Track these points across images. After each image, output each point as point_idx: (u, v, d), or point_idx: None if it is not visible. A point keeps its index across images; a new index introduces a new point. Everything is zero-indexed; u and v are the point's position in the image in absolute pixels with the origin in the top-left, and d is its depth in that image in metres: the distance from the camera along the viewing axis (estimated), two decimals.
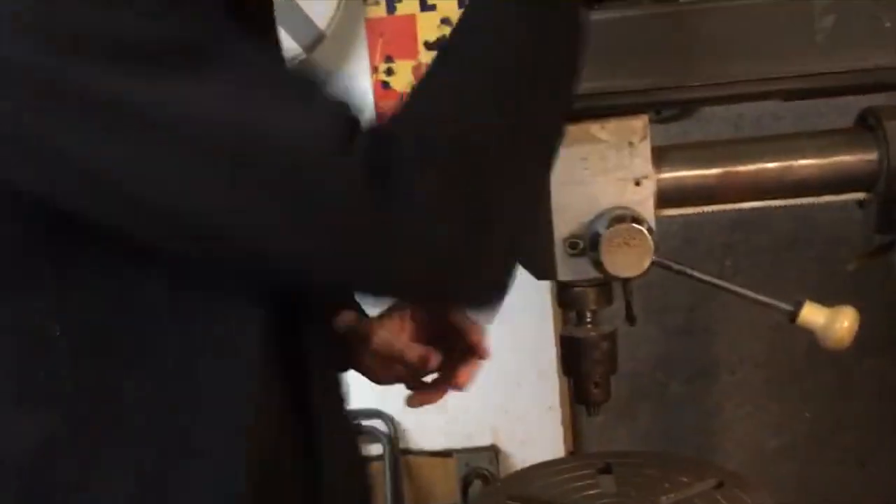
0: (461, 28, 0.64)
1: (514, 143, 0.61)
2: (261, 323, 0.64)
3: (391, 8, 1.83)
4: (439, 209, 0.57)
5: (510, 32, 0.60)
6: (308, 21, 1.71)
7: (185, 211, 0.56)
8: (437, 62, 0.63)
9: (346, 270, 0.59)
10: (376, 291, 0.65)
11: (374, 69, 1.85)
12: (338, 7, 1.74)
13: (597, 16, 0.85)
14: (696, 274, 0.84)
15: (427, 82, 0.63)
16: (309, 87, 0.60)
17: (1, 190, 0.58)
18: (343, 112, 0.58)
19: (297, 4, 1.70)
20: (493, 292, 0.63)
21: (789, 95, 0.87)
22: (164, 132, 0.54)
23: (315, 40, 1.73)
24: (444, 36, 1.84)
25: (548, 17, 0.61)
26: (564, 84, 0.64)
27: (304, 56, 1.73)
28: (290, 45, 1.70)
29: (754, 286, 0.87)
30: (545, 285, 1.61)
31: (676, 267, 0.84)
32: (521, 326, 1.74)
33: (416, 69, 1.85)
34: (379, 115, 0.61)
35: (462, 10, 0.64)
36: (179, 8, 0.55)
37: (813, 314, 0.82)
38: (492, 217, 0.60)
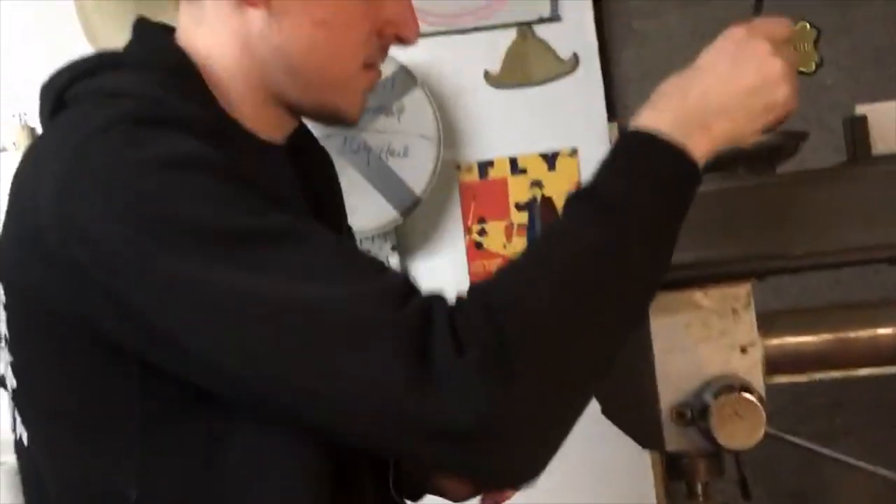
0: (547, 231, 0.72)
1: (582, 326, 0.64)
2: (328, 478, 0.68)
3: (483, 173, 1.90)
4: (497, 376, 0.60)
5: (586, 235, 0.66)
6: (405, 187, 1.79)
7: (259, 376, 0.61)
8: (518, 256, 0.68)
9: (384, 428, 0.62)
10: (405, 449, 0.66)
11: (468, 230, 1.90)
12: (433, 173, 1.81)
13: (700, 188, 0.87)
14: (812, 447, 0.81)
15: (507, 268, 0.67)
16: (371, 265, 0.66)
17: (106, 352, 0.64)
18: (401, 281, 0.64)
19: (394, 172, 1.79)
20: (536, 468, 0.64)
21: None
22: (242, 311, 0.61)
23: (411, 205, 1.80)
24: (534, 198, 1.89)
25: (623, 225, 0.66)
26: (637, 279, 0.68)
27: (401, 221, 1.80)
28: (387, 210, 1.77)
29: (867, 447, 0.84)
30: (644, 453, 1.57)
31: (790, 439, 0.81)
32: (622, 495, 1.68)
33: (507, 229, 1.89)
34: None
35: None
36: (255, 199, 0.64)
37: None
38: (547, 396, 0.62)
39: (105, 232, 0.61)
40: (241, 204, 0.63)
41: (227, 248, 0.61)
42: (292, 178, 0.81)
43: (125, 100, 0.67)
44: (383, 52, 0.79)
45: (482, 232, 1.90)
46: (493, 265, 1.90)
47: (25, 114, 1.96)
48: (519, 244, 1.89)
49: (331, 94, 0.77)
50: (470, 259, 1.91)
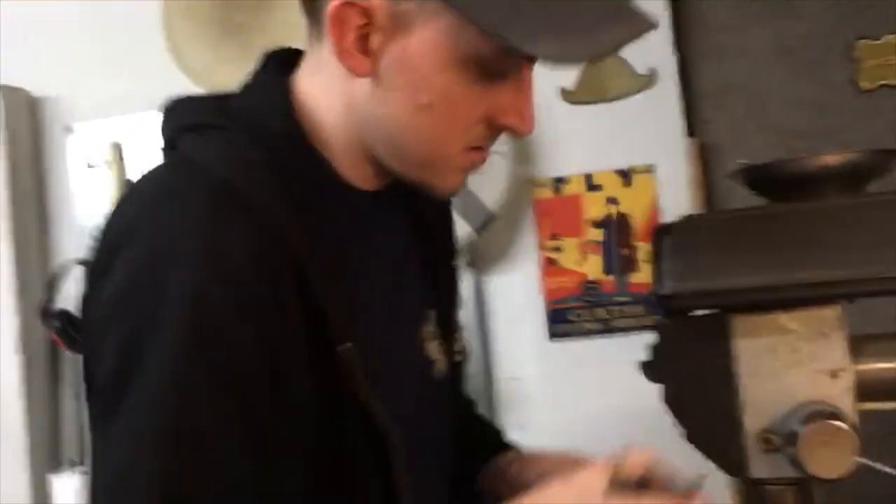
0: None
1: None
2: None
3: (557, 189, 1.89)
4: None
5: None
6: (479, 203, 1.79)
7: None
8: None
9: None
10: None
11: (542, 246, 1.89)
12: (508, 189, 1.81)
13: (784, 208, 0.84)
14: None
15: None
16: None
17: None
18: None
19: (470, 189, 1.79)
20: None
21: None
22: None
23: (486, 221, 1.80)
24: (609, 215, 1.87)
25: None
26: None
27: (475, 236, 1.80)
28: (462, 226, 1.77)
29: None
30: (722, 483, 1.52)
31: (883, 468, 0.78)
32: None
33: (581, 246, 1.88)
34: None
35: None
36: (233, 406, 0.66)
37: None
38: None
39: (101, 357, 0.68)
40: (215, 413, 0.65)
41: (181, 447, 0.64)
42: (393, 223, 0.82)
43: (198, 198, 0.68)
44: (493, 137, 0.76)
45: (556, 249, 1.88)
46: (567, 282, 1.89)
47: (111, 131, 2.03)
48: (593, 261, 1.87)
49: (427, 171, 0.76)
50: (544, 276, 1.89)
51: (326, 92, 0.75)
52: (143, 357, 0.65)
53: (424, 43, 0.69)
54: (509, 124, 0.74)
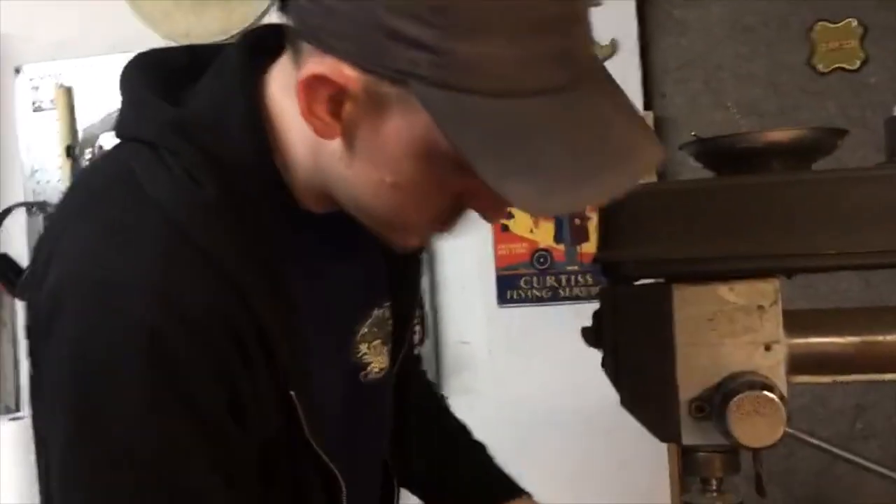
0: None
1: None
2: None
3: None
4: None
5: None
6: None
7: None
8: None
9: None
10: None
11: None
12: None
13: (730, 181, 0.85)
14: (831, 448, 0.80)
15: None
16: None
17: None
18: None
19: None
20: None
21: None
22: None
23: None
24: None
25: None
26: None
27: None
28: None
29: (888, 453, 0.82)
30: (662, 445, 1.56)
31: (810, 440, 0.80)
32: (637, 485, 1.67)
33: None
34: None
35: None
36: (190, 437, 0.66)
37: None
38: None
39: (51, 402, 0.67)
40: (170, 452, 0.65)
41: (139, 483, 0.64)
42: (349, 232, 0.77)
43: (145, 241, 0.66)
44: (461, 215, 0.73)
45: (509, 215, 1.89)
46: (518, 249, 1.89)
47: (60, 74, 1.98)
48: (545, 230, 1.88)
49: (388, 231, 0.74)
50: (496, 242, 1.90)
51: (297, 123, 0.68)
52: (106, 425, 0.64)
53: (399, 130, 0.64)
54: (480, 210, 0.72)
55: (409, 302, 0.92)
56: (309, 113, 0.65)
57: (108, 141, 2.04)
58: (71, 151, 1.93)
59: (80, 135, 1.95)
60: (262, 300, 0.68)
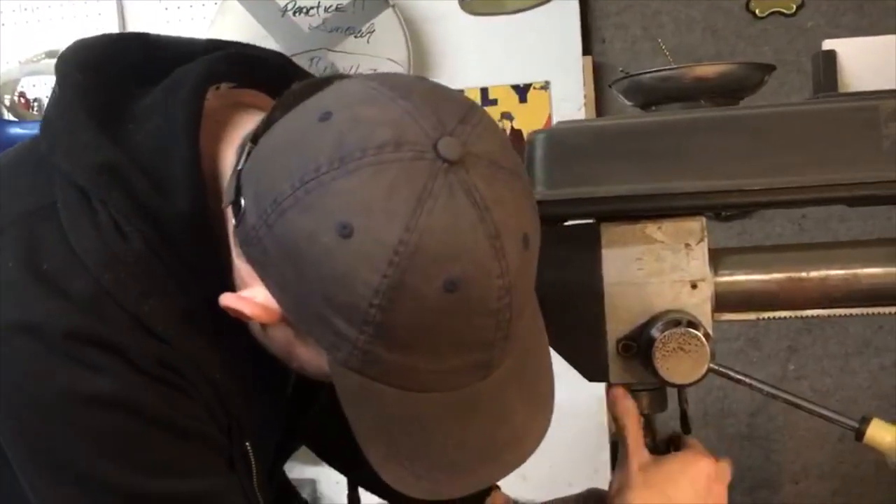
0: None
1: None
2: None
3: None
4: None
5: None
6: None
7: None
8: None
9: None
10: None
11: None
12: None
13: (656, 117, 0.84)
14: (756, 383, 0.80)
15: None
16: None
17: None
18: None
19: None
20: None
21: (854, 202, 0.84)
22: None
23: None
24: (503, 130, 1.86)
25: None
26: None
27: None
28: None
29: (821, 393, 0.83)
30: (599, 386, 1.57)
31: (735, 375, 0.80)
32: (573, 427, 1.69)
33: None
34: None
35: None
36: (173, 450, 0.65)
37: (880, 432, 0.77)
38: None
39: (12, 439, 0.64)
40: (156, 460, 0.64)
41: None
42: None
43: (77, 284, 0.63)
44: None
45: None
46: None
47: None
48: None
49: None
50: None
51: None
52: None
53: (312, 358, 0.65)
54: None
55: None
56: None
57: (30, 88, 1.96)
58: None
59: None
60: (198, 352, 0.66)
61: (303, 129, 0.60)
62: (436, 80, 0.66)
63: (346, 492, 0.95)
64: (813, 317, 0.83)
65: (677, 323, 0.77)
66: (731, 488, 0.82)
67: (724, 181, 0.79)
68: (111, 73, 0.71)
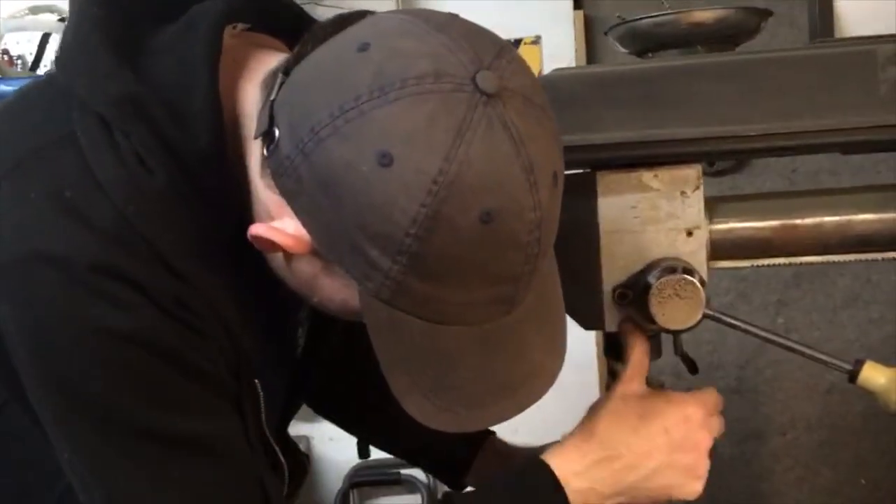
0: None
1: None
2: None
3: None
4: None
5: None
6: None
7: None
8: None
9: None
10: None
11: None
12: None
13: (652, 64, 0.84)
14: (750, 328, 0.81)
15: None
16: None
17: None
18: None
19: None
20: None
21: (849, 148, 0.85)
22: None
23: None
24: None
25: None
26: None
27: None
28: None
29: (809, 346, 0.84)
30: (590, 335, 1.58)
31: (729, 320, 0.81)
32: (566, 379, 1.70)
33: None
34: None
35: None
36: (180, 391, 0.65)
37: (874, 374, 0.78)
38: None
39: (28, 370, 0.64)
40: (165, 400, 0.65)
41: (137, 444, 0.65)
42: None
43: (101, 217, 0.63)
44: None
45: None
46: None
47: None
48: None
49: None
50: None
51: (255, 114, 0.66)
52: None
53: (336, 291, 0.65)
54: None
55: None
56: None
57: (13, 45, 1.93)
58: None
59: None
60: (213, 290, 0.66)
61: (340, 59, 0.60)
62: None
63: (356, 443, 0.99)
64: (807, 263, 0.84)
65: (673, 270, 0.78)
66: (720, 440, 0.83)
67: (720, 127, 0.78)
68: (129, 9, 0.70)
